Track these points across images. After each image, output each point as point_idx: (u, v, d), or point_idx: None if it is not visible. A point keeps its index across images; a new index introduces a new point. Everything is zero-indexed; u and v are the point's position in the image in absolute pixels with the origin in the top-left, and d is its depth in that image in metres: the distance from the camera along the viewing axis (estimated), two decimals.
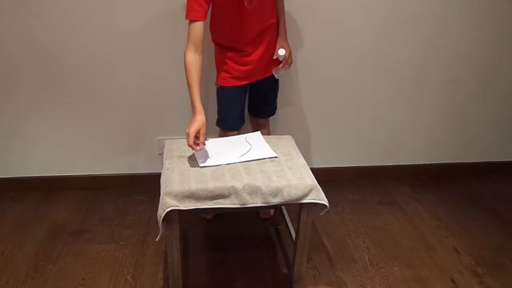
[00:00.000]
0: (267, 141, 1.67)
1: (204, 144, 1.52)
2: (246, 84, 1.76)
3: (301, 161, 1.56)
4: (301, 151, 1.64)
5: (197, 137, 1.47)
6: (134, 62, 1.96)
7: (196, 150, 1.49)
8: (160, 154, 2.06)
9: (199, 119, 1.49)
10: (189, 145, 1.46)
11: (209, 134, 2.09)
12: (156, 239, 1.41)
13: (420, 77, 2.19)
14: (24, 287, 1.59)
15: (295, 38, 1.99)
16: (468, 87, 2.26)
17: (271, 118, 2.00)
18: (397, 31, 2.05)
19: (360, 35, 2.04)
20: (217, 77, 1.77)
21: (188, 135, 1.45)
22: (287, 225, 1.81)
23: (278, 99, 2.02)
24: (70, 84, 1.98)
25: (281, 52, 1.70)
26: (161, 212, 1.33)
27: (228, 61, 1.70)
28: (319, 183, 1.44)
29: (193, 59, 1.53)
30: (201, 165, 1.49)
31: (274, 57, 1.72)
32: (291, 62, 1.79)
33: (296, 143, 1.71)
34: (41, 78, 1.95)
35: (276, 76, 1.77)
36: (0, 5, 1.79)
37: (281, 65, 1.74)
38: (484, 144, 2.44)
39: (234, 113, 1.82)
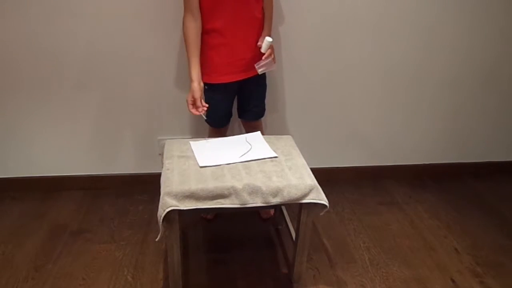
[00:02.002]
0: (267, 141, 1.67)
1: (205, 107, 1.66)
2: (232, 83, 1.73)
3: (301, 161, 1.56)
4: (301, 151, 1.64)
5: (195, 103, 1.64)
6: (135, 63, 1.96)
7: (194, 114, 1.66)
8: (160, 154, 2.06)
9: (193, 87, 1.64)
10: (190, 111, 1.66)
11: (200, 134, 2.11)
12: (156, 239, 1.40)
13: (420, 77, 2.19)
14: (24, 287, 1.59)
15: (294, 37, 1.99)
16: (468, 87, 2.26)
17: (271, 118, 1.99)
18: (397, 31, 2.05)
19: (360, 35, 2.04)
20: (202, 73, 1.75)
21: (187, 102, 1.65)
22: (287, 225, 1.81)
23: (277, 99, 2.02)
24: (71, 85, 1.98)
25: (269, 39, 1.63)
26: (161, 212, 1.34)
27: (212, 55, 1.69)
28: (319, 183, 1.44)
29: (192, 27, 1.60)
30: (201, 165, 1.49)
31: (259, 43, 1.67)
32: (274, 58, 1.72)
33: (296, 143, 1.71)
34: (41, 78, 1.95)
35: (258, 71, 1.70)
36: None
37: (264, 56, 1.67)
38: (484, 144, 2.44)
39: (219, 112, 1.83)
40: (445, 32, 2.09)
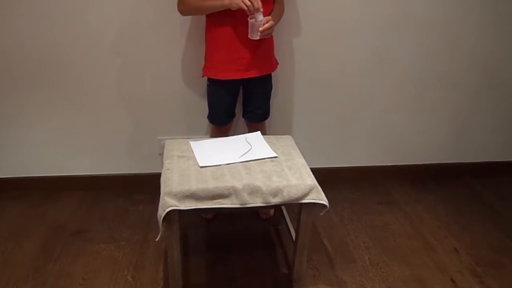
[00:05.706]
0: (267, 141, 1.67)
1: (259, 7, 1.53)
2: (233, 82, 1.73)
3: (301, 161, 1.56)
4: (301, 151, 1.64)
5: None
6: (135, 62, 1.96)
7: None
8: (160, 154, 2.06)
9: None
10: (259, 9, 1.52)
11: (200, 134, 2.11)
12: (156, 239, 1.40)
13: (420, 77, 2.19)
14: (24, 287, 1.59)
15: (296, 36, 1.99)
16: (468, 87, 2.26)
17: (271, 118, 1.99)
18: (399, 32, 2.05)
19: (362, 35, 2.04)
20: (204, 66, 1.76)
21: (249, 5, 1.50)
22: (287, 225, 1.81)
23: (277, 99, 2.01)
24: (71, 84, 1.98)
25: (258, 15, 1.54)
26: (161, 212, 1.34)
27: (213, 51, 1.69)
28: (319, 183, 1.44)
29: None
30: (201, 165, 1.49)
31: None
32: (268, 27, 1.57)
33: (296, 143, 1.71)
34: (41, 78, 1.95)
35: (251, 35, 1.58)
36: None
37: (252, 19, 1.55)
38: (484, 144, 2.44)
39: (219, 109, 1.84)
40: (445, 33, 2.09)
